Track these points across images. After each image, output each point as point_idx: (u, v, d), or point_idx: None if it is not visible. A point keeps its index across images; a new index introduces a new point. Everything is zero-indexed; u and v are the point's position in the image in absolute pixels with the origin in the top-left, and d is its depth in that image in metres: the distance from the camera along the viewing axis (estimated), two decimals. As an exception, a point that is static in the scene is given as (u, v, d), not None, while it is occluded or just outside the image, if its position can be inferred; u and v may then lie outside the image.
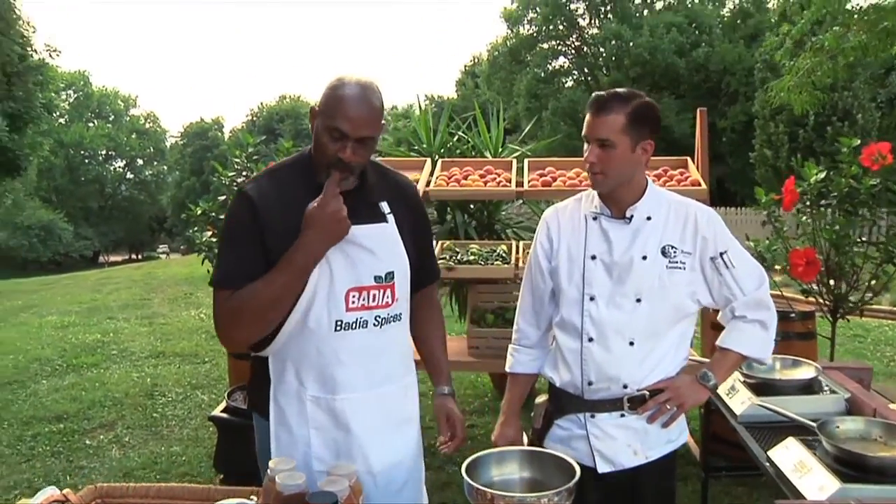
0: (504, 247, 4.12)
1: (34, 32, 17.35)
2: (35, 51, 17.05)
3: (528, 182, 3.93)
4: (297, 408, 1.88)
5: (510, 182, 3.96)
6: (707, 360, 2.30)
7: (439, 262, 3.91)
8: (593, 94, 2.05)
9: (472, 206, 4.86)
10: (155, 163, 52.80)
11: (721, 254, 2.05)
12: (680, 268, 2.04)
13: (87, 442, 4.69)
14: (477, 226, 4.83)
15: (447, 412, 2.10)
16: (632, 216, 2.07)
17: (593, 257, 2.08)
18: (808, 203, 3.77)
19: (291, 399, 1.88)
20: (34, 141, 18.35)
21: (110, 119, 51.87)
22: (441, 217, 4.89)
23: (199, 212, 4.33)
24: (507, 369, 2.32)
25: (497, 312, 4.09)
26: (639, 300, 2.03)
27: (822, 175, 3.75)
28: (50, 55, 18.37)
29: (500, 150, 4.83)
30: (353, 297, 1.86)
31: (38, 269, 35.39)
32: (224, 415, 3.83)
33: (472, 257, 3.95)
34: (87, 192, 46.70)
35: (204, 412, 5.21)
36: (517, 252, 4.07)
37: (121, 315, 9.63)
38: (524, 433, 2.30)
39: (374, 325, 1.89)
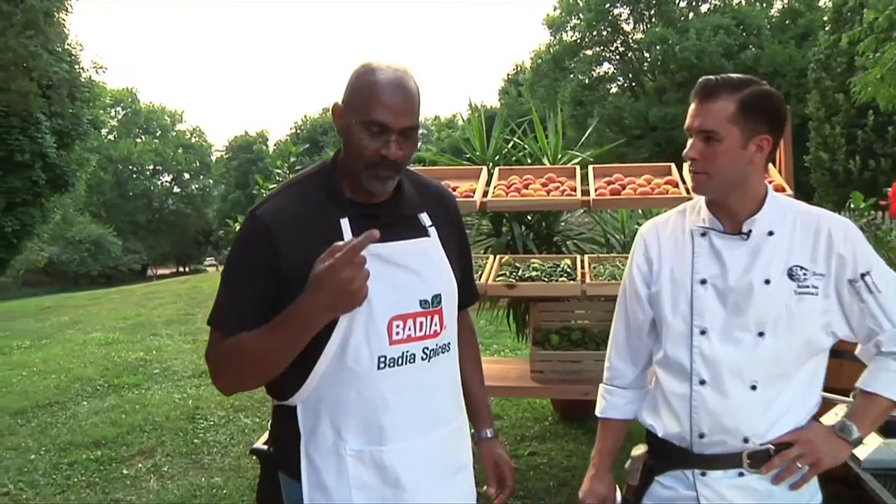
0: (568, 261, 3.77)
1: (81, 50, 17.54)
2: (82, 68, 17.23)
3: (595, 191, 3.56)
4: (335, 465, 1.56)
5: (575, 191, 3.61)
6: (843, 398, 1.92)
7: (498, 278, 3.59)
8: (701, 79, 1.70)
9: (529, 217, 4.51)
10: (201, 177, 53.68)
11: (862, 275, 1.66)
12: (811, 293, 1.66)
13: (124, 471, 4.44)
14: (535, 238, 4.48)
15: (495, 458, 1.87)
16: (749, 231, 1.69)
17: (703, 282, 1.71)
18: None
19: (328, 455, 1.57)
20: (81, 157, 18.54)
21: (157, 134, 52.85)
22: (496, 229, 4.54)
23: (238, 227, 4.06)
24: (599, 413, 1.96)
25: (562, 333, 3.75)
26: (761, 334, 1.65)
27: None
28: (97, 72, 18.60)
29: (560, 156, 4.47)
30: (398, 327, 1.57)
31: (89, 283, 36.07)
32: (267, 447, 3.53)
33: (534, 273, 3.60)
34: (135, 207, 47.59)
35: (247, 437, 4.94)
36: (582, 267, 3.72)
37: (164, 331, 9.50)
38: (617, 489, 1.94)
39: (423, 358, 1.60)
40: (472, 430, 1.82)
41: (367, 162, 1.53)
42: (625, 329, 1.90)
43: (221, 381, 1.61)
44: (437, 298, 1.63)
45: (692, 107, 1.69)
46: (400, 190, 1.66)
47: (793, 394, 1.68)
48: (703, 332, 1.70)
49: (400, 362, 1.57)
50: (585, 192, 3.62)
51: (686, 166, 1.73)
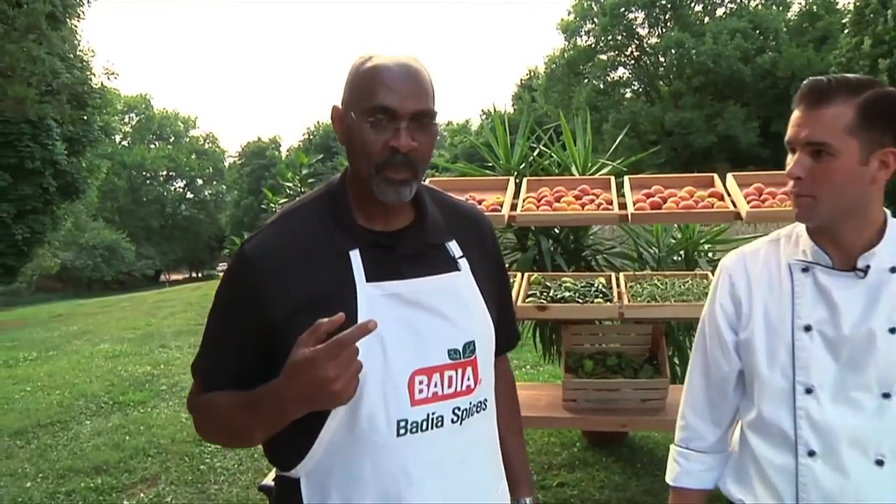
0: (602, 280, 3.46)
1: (93, 56, 17.39)
2: (94, 74, 17.09)
3: (634, 204, 3.26)
4: None
5: (612, 204, 3.30)
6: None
7: (528, 299, 3.29)
8: (806, 80, 1.39)
9: (556, 230, 4.21)
10: (214, 182, 53.75)
11: None
12: None
13: (125, 502, 4.16)
14: (563, 252, 4.18)
15: None
16: (867, 267, 1.37)
17: (807, 328, 1.40)
18: None
19: None
20: (92, 164, 18.40)
21: (171, 140, 52.96)
22: (521, 243, 4.24)
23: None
24: (671, 481, 1.64)
25: (596, 358, 3.44)
26: (887, 395, 1.35)
27: None
28: (108, 78, 18.45)
29: (590, 165, 4.16)
30: (421, 383, 1.27)
31: (103, 289, 36.11)
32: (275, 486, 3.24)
33: (566, 294, 3.30)
34: (149, 212, 47.64)
35: (256, 463, 4.66)
36: (618, 285, 3.41)
37: (174, 343, 9.26)
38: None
39: (453, 420, 1.30)
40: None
41: (375, 162, 1.24)
42: (704, 381, 1.58)
43: (200, 432, 1.40)
44: (469, 347, 1.33)
45: (796, 114, 1.38)
46: (422, 212, 1.37)
47: None
48: (809, 391, 1.38)
49: (425, 427, 1.27)
50: (622, 206, 3.32)
51: (789, 186, 1.40)
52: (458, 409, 1.30)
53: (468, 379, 1.32)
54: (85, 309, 16.27)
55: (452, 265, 1.37)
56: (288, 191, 3.65)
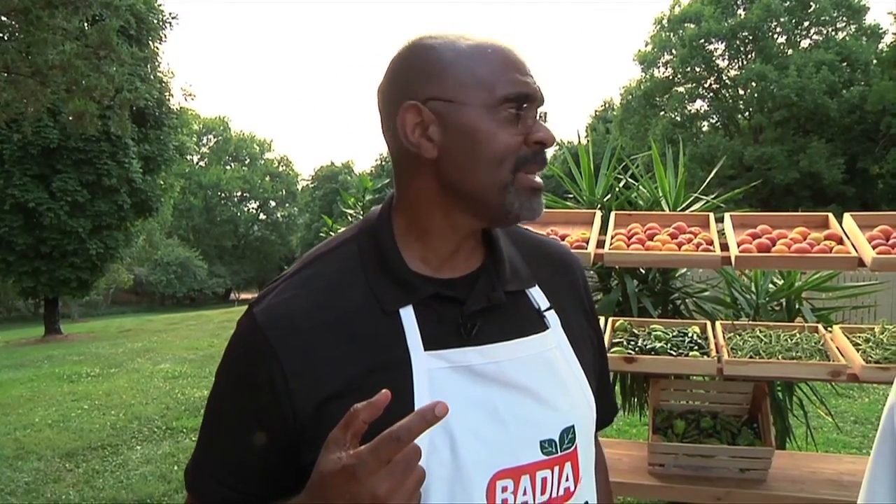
0: (696, 329, 3.05)
1: (172, 78, 17.79)
2: (172, 94, 17.47)
3: (739, 246, 2.85)
4: None
5: (712, 244, 2.90)
6: None
7: (614, 348, 2.90)
8: None
9: (642, 271, 3.81)
10: (286, 205, 54.70)
11: None
12: None
13: (165, 542, 3.92)
14: (649, 294, 3.77)
15: None
16: None
17: None
18: None
19: None
20: (167, 183, 18.76)
21: (246, 162, 54.20)
22: (604, 284, 3.85)
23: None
24: None
25: (688, 418, 3.02)
26: None
27: None
28: (185, 99, 18.87)
29: (682, 200, 3.76)
30: (505, 490, 0.91)
31: (174, 304, 37.04)
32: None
33: (657, 344, 2.90)
34: (222, 232, 48.70)
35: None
36: (715, 336, 3.00)
37: (234, 366, 9.12)
38: None
39: None
40: None
41: (514, 163, 0.92)
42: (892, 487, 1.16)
43: None
44: (568, 435, 0.97)
45: None
46: (496, 251, 1.02)
47: None
48: None
49: None
50: (724, 247, 2.91)
51: None
52: None
53: (567, 479, 0.97)
54: (153, 325, 16.49)
55: (539, 322, 1.01)
56: (350, 218, 3.33)
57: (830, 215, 3.12)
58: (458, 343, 0.93)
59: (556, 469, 0.95)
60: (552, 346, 1.01)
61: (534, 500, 0.93)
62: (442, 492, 0.88)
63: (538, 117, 0.95)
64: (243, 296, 47.85)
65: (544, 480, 0.94)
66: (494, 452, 0.91)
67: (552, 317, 1.03)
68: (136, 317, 25.44)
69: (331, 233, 3.36)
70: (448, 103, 0.91)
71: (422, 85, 0.92)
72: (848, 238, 2.90)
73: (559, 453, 0.96)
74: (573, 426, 0.98)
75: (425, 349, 0.91)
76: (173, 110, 17.94)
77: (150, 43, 16.64)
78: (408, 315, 0.93)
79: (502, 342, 0.96)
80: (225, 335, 12.50)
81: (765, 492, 2.83)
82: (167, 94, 17.22)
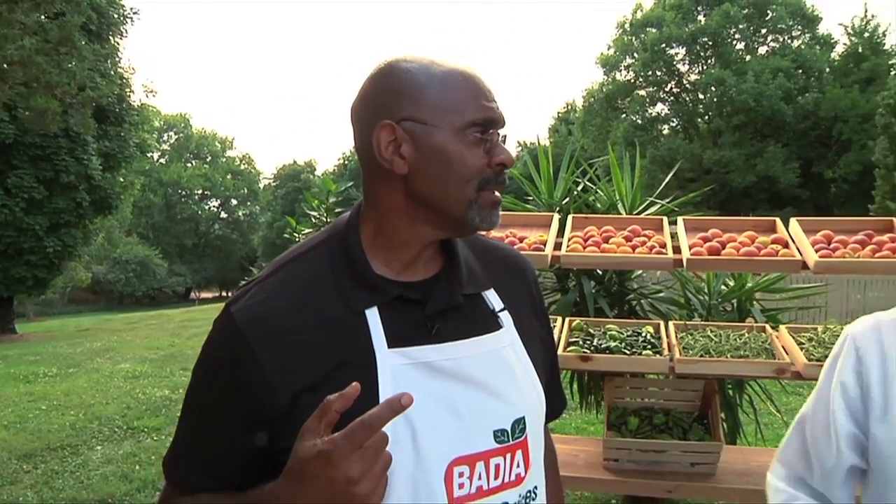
0: (650, 328, 3.16)
1: (133, 74, 17.56)
2: (132, 91, 17.24)
3: (690, 249, 2.96)
4: None
5: (665, 247, 3.01)
6: None
7: (569, 347, 3.00)
8: None
9: (599, 272, 3.92)
10: (248, 203, 54.15)
11: None
12: None
13: (127, 541, 3.93)
14: (605, 295, 3.88)
15: None
16: None
17: None
18: None
19: None
20: (127, 180, 18.51)
21: (207, 160, 53.55)
22: (562, 285, 3.95)
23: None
24: None
25: (642, 415, 3.13)
26: None
27: None
28: (147, 95, 18.63)
29: (638, 203, 3.88)
30: (462, 475, 1.00)
31: (133, 303, 36.49)
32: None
33: (612, 343, 3.00)
34: (183, 230, 48.11)
35: None
36: (667, 335, 3.11)
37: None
38: None
39: None
40: None
41: (479, 183, 1.02)
42: (805, 465, 1.24)
43: None
44: (519, 425, 1.06)
45: None
46: (453, 256, 1.11)
47: None
48: None
49: None
50: (677, 249, 3.02)
51: None
52: None
53: (518, 466, 1.06)
54: (112, 324, 16.27)
55: (493, 322, 1.10)
56: (313, 220, 3.38)
57: (778, 220, 3.25)
58: (419, 341, 1.01)
59: (508, 456, 1.04)
60: (505, 343, 1.10)
61: (487, 484, 1.01)
62: (405, 476, 0.96)
63: (500, 140, 1.04)
64: (204, 295, 47.33)
65: (497, 467, 1.03)
66: (452, 441, 0.99)
67: (506, 317, 1.12)
68: (94, 316, 25.04)
69: (294, 234, 3.41)
70: (421, 125, 1.00)
71: (398, 106, 1.00)
72: (793, 242, 3.03)
73: (511, 442, 1.04)
74: (524, 417, 1.07)
75: (389, 347, 0.99)
76: (134, 107, 17.70)
77: (111, 38, 16.43)
78: (373, 315, 1.01)
79: (460, 340, 1.04)
80: (186, 334, 12.43)
81: (713, 485, 2.94)
82: (128, 90, 16.99)
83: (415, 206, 1.03)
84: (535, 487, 1.10)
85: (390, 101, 1.01)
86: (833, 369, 1.20)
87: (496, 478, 1.03)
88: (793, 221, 3.17)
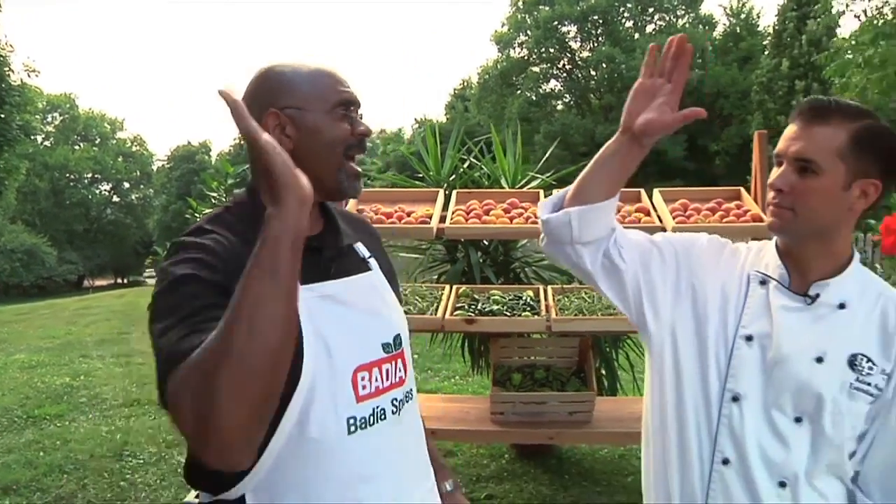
0: (530, 293, 3.49)
1: (12, 52, 16.70)
2: (12, 70, 16.40)
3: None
4: None
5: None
6: None
7: (456, 312, 3.29)
8: (809, 98, 1.42)
9: (485, 243, 4.23)
10: (141, 186, 52.21)
11: None
12: (869, 394, 1.37)
13: (37, 523, 3.99)
14: (492, 264, 4.19)
15: None
16: (817, 295, 1.40)
17: (749, 338, 1.42)
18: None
19: None
20: (10, 164, 17.66)
21: (96, 142, 51.19)
22: (451, 255, 4.24)
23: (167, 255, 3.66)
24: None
25: (525, 371, 3.46)
26: (798, 420, 1.38)
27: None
28: (28, 75, 17.76)
29: (520, 178, 4.20)
30: (363, 379, 1.32)
31: (21, 295, 34.62)
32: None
33: (494, 307, 3.31)
34: (72, 216, 45.99)
35: (179, 479, 4.52)
36: (546, 298, 3.44)
37: (95, 353, 8.93)
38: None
39: (393, 412, 1.36)
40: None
41: (343, 150, 1.34)
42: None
43: (224, 420, 1.03)
44: (398, 339, 1.42)
45: (791, 129, 1.41)
46: (331, 217, 1.45)
47: None
48: (735, 399, 1.41)
49: (371, 421, 1.31)
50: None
51: (769, 196, 1.44)
52: (396, 400, 1.37)
53: (400, 370, 1.40)
54: (1, 316, 15.58)
55: (365, 265, 1.46)
56: (213, 200, 3.54)
57: (642, 191, 3.62)
58: (322, 279, 1.32)
59: (393, 364, 1.38)
60: (376, 281, 1.47)
61: (382, 384, 1.35)
62: (324, 383, 1.25)
63: (359, 117, 1.37)
64: (98, 282, 45.47)
65: (387, 371, 1.37)
66: (354, 353, 1.32)
67: (373, 262, 1.49)
68: (-21, 309, 23.81)
69: (195, 214, 3.55)
70: (298, 110, 1.31)
71: (278, 97, 1.31)
72: (654, 210, 3.41)
73: (394, 352, 1.39)
74: (399, 334, 1.43)
75: (301, 284, 1.18)
76: (14, 87, 16.86)
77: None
78: None
79: (347, 277, 1.38)
80: (83, 322, 12.13)
81: (589, 430, 3.31)
82: (7, 69, 16.16)
83: None
84: (412, 389, 1.46)
85: (273, 95, 1.32)
86: (696, 236, 1.58)
87: (387, 380, 1.36)
88: (655, 192, 3.54)
